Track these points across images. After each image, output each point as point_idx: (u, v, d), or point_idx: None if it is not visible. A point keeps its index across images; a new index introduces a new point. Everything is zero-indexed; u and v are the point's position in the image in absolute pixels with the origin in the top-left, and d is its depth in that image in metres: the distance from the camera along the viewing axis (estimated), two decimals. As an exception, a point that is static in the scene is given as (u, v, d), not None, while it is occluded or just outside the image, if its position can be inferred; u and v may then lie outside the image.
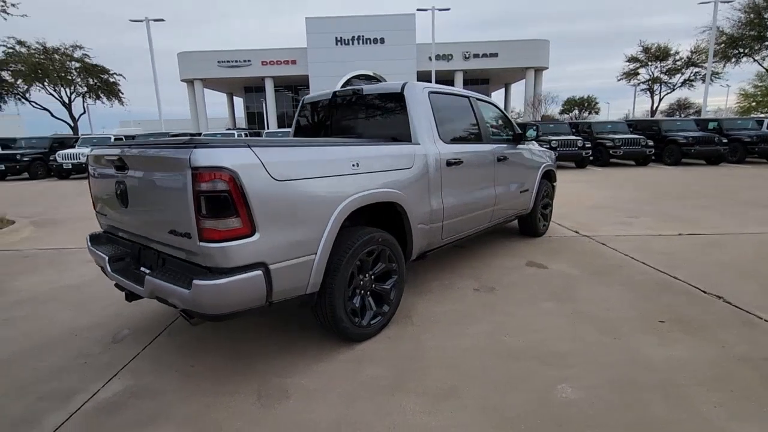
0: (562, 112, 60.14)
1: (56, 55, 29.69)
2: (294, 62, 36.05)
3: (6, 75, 29.18)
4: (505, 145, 4.30)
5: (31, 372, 2.41)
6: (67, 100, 31.40)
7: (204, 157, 1.87)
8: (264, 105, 37.29)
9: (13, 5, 9.80)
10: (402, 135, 3.20)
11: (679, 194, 8.37)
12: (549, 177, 5.42)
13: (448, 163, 3.32)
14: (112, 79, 32.76)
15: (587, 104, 58.94)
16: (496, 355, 2.52)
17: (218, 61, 36.45)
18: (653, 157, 14.57)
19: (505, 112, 4.60)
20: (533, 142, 5.09)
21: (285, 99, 41.83)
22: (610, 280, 3.73)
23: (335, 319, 2.48)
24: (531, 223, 5.14)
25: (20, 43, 28.83)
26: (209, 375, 2.37)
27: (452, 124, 3.66)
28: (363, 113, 3.61)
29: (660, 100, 38.86)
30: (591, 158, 14.76)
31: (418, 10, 27.71)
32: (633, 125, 16.63)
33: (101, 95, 32.57)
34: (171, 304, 2.11)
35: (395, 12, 34.04)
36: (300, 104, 4.15)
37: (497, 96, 47.67)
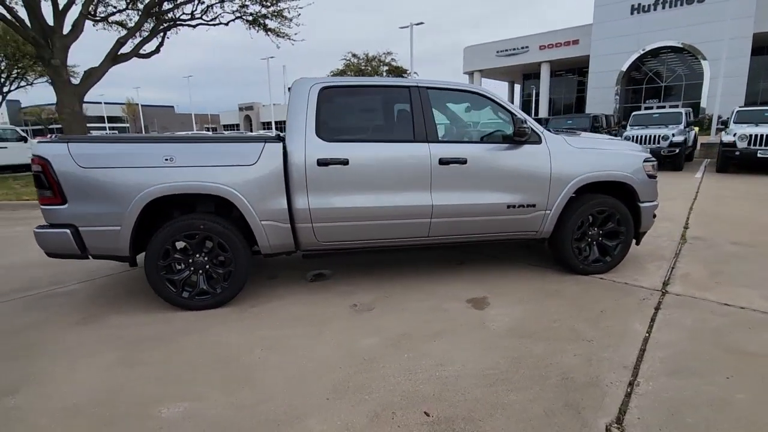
0: None
1: (373, 62, 38.42)
2: (575, 42, 32.81)
3: (344, 80, 40.14)
4: (472, 145, 3.42)
5: (64, 268, 4.16)
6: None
7: (35, 148, 2.90)
8: (534, 91, 36.00)
9: (296, 34, 13.84)
10: None
11: None
12: (626, 193, 3.70)
13: (321, 163, 3.13)
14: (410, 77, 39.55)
15: None
16: (211, 355, 2.51)
17: (497, 51, 37.45)
18: None
19: (503, 102, 3.50)
20: (566, 141, 3.60)
21: (565, 83, 38.78)
22: (519, 348, 2.55)
23: (150, 284, 3.09)
24: (560, 253, 3.73)
25: (354, 56, 39.01)
26: (97, 297, 3.49)
27: (352, 121, 3.34)
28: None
29: None
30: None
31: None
32: None
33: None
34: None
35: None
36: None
37: None
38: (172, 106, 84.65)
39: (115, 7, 13.19)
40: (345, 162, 3.17)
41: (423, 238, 3.47)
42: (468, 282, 3.64)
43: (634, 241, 3.85)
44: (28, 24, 9.98)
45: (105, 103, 62.11)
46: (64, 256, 3.06)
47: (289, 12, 13.05)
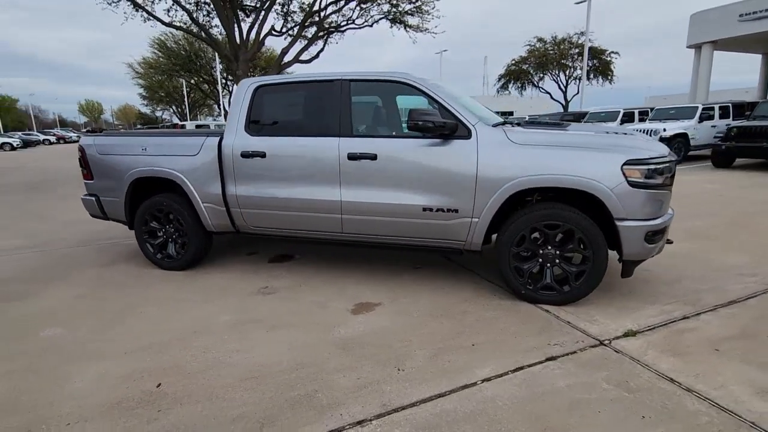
0: None
1: (562, 45, 34.51)
2: None
3: (526, 67, 37.45)
4: (387, 140, 3.20)
5: (102, 227, 5.57)
6: (564, 84, 36.23)
7: (80, 140, 4.14)
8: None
9: (436, 26, 13.95)
10: None
11: None
12: (606, 206, 2.80)
13: (244, 155, 3.46)
14: (607, 59, 34.08)
15: None
16: (127, 302, 3.21)
17: (740, 15, 28.43)
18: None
19: (427, 89, 3.06)
20: (506, 135, 2.89)
21: None
22: (320, 356, 2.42)
23: (138, 245, 4.05)
24: (501, 270, 3.08)
25: (540, 40, 35.82)
26: (130, 250, 4.69)
27: (277, 116, 3.50)
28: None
29: None
30: None
31: None
32: None
33: (595, 76, 34.77)
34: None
35: None
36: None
37: None
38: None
39: (296, 22, 15.95)
40: (263, 155, 3.42)
41: (338, 234, 3.42)
42: (388, 286, 3.41)
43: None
44: (226, 46, 13.12)
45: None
46: (98, 217, 4.29)
47: (426, 6, 13.27)
